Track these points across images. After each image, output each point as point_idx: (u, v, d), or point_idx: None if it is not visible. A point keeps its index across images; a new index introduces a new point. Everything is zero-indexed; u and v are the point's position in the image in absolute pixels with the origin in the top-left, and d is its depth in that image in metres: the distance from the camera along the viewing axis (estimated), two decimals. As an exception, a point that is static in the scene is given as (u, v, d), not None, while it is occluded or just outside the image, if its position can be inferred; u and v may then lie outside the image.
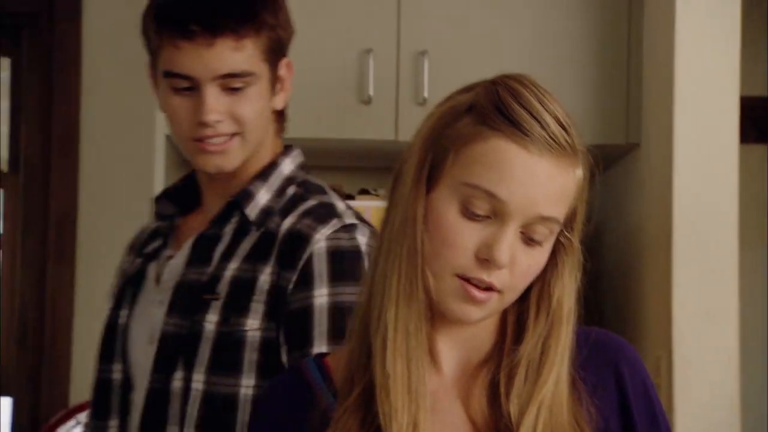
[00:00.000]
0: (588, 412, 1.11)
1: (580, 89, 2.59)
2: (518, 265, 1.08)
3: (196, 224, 1.63)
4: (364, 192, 2.72)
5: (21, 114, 2.98)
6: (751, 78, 2.79)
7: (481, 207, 1.06)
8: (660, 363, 2.36)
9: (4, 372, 3.00)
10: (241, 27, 1.52)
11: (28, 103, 2.96)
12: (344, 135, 2.58)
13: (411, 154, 1.11)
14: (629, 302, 2.63)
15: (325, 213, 1.57)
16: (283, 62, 1.63)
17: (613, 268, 2.78)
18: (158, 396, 1.53)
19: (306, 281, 1.52)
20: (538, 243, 1.09)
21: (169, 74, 1.53)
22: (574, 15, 2.60)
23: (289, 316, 1.51)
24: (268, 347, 1.51)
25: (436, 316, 1.12)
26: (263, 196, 1.59)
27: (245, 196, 1.59)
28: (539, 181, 1.06)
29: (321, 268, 1.52)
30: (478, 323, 1.12)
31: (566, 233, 1.12)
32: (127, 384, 1.62)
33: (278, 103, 1.65)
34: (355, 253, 1.54)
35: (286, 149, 1.69)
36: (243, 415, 1.50)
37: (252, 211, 1.58)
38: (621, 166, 2.74)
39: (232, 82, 1.53)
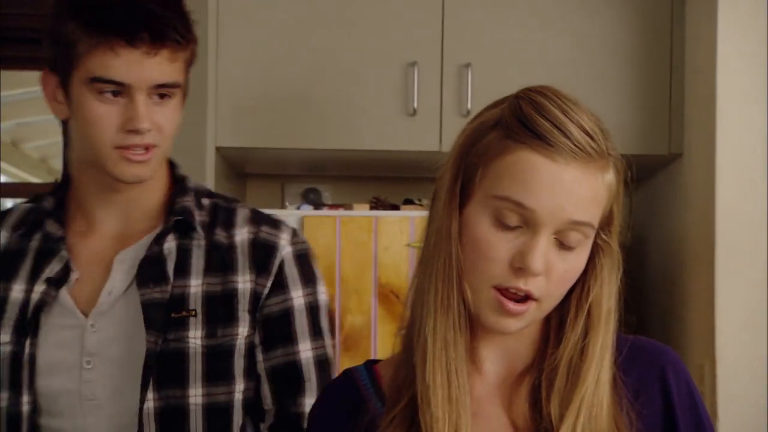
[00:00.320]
0: (628, 416, 1.12)
1: (623, 100, 2.60)
2: (554, 271, 1.09)
3: (97, 246, 1.59)
4: (408, 202, 2.74)
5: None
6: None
7: (512, 218, 1.08)
8: (703, 371, 2.36)
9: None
10: (182, 39, 1.53)
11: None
12: (389, 146, 2.61)
13: (445, 171, 1.14)
14: (672, 311, 2.63)
15: (271, 220, 1.62)
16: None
17: (656, 277, 2.78)
18: (165, 413, 1.53)
19: (282, 285, 1.58)
20: (573, 248, 1.10)
21: (100, 80, 1.49)
22: (616, 27, 2.62)
23: (267, 319, 1.57)
24: (251, 351, 1.57)
25: (477, 326, 1.14)
26: (195, 210, 1.60)
27: (187, 212, 1.59)
28: (566, 189, 1.07)
29: (293, 272, 1.59)
30: (519, 332, 1.13)
31: (603, 236, 1.13)
32: (34, 414, 1.53)
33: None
34: (311, 253, 1.64)
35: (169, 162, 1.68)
36: (238, 418, 1.56)
37: (198, 226, 1.59)
38: (664, 176, 2.75)
39: (161, 92, 1.53)
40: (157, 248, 1.56)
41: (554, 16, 2.62)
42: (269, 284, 1.57)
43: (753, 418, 2.31)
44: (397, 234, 2.44)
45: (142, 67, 1.50)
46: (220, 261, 1.58)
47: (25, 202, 1.62)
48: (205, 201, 1.63)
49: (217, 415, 1.54)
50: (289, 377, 1.58)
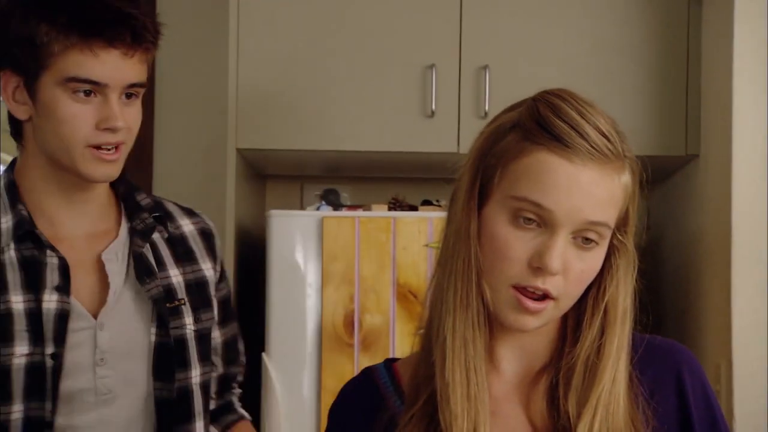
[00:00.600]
0: (644, 414, 1.14)
1: (640, 102, 2.61)
2: (572, 270, 1.11)
3: (74, 247, 1.60)
4: (426, 203, 2.76)
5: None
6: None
7: (530, 218, 1.10)
8: (720, 371, 2.36)
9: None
10: (154, 42, 1.59)
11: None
12: (408, 148, 2.62)
13: (463, 173, 1.16)
14: (689, 311, 2.64)
15: (190, 209, 1.78)
16: None
17: (672, 277, 2.78)
18: (177, 397, 1.62)
19: (223, 268, 1.78)
20: (590, 248, 1.11)
21: (76, 79, 1.51)
22: (632, 28, 2.63)
23: (222, 300, 1.76)
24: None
25: (495, 325, 1.16)
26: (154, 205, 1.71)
27: (160, 207, 1.70)
28: (584, 189, 1.09)
29: (221, 253, 1.79)
30: (536, 330, 1.15)
31: (619, 236, 1.14)
32: (53, 417, 1.54)
33: None
34: None
35: None
36: (212, 391, 1.77)
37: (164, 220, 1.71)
38: (680, 177, 2.75)
39: (129, 92, 1.57)
40: (142, 243, 1.63)
41: (571, 18, 2.63)
42: (219, 269, 1.75)
43: (769, 417, 2.32)
44: (415, 234, 2.46)
45: (118, 67, 1.53)
46: (182, 251, 1.68)
47: None
48: (140, 196, 1.71)
49: (206, 391, 1.69)
50: (233, 348, 1.80)
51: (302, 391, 2.44)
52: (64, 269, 1.55)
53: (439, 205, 2.67)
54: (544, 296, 1.11)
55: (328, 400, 2.38)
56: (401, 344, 2.43)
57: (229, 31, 2.59)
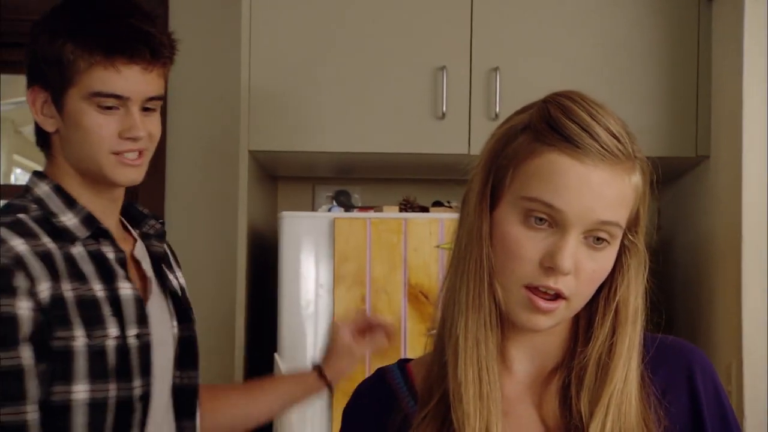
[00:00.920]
0: (656, 413, 1.14)
1: (650, 103, 2.61)
2: (583, 270, 1.11)
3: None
4: (437, 204, 2.76)
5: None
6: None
7: (542, 218, 1.11)
8: (731, 371, 2.37)
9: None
10: (171, 57, 1.73)
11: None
12: (419, 149, 2.63)
13: (475, 174, 1.17)
14: (700, 311, 2.64)
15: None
16: None
17: (683, 278, 2.79)
18: (185, 392, 1.77)
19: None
20: (602, 247, 1.12)
21: (101, 94, 1.65)
22: (643, 30, 2.63)
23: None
24: None
25: (507, 326, 1.17)
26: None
27: (157, 217, 1.85)
28: (595, 190, 1.10)
29: None
30: (548, 331, 1.16)
31: (630, 236, 1.15)
32: (147, 397, 1.68)
33: None
34: None
35: None
36: None
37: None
38: (691, 178, 2.75)
39: (151, 104, 1.71)
40: (159, 244, 1.81)
41: (581, 20, 2.63)
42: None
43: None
44: (426, 235, 2.47)
45: (139, 81, 1.67)
46: (168, 257, 1.85)
47: (18, 212, 1.67)
48: None
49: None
50: (191, 348, 1.83)
51: (314, 392, 2.45)
52: (123, 262, 1.70)
53: (450, 207, 2.68)
54: (557, 296, 1.12)
55: (340, 399, 2.40)
56: (412, 345, 2.44)
57: (241, 34, 2.61)
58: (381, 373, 1.27)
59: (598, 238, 1.12)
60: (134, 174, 1.70)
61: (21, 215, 1.65)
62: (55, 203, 1.69)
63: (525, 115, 1.16)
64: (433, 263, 2.46)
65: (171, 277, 1.79)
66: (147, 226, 1.81)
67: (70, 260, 1.63)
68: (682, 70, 2.62)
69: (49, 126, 1.70)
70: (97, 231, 1.69)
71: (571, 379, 1.16)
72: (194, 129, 3.06)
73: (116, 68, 1.65)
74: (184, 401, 1.77)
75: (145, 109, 1.70)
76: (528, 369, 1.20)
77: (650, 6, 2.63)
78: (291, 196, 3.10)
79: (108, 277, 1.66)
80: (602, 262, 1.13)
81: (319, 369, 2.00)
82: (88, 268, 1.65)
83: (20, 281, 1.56)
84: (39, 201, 1.69)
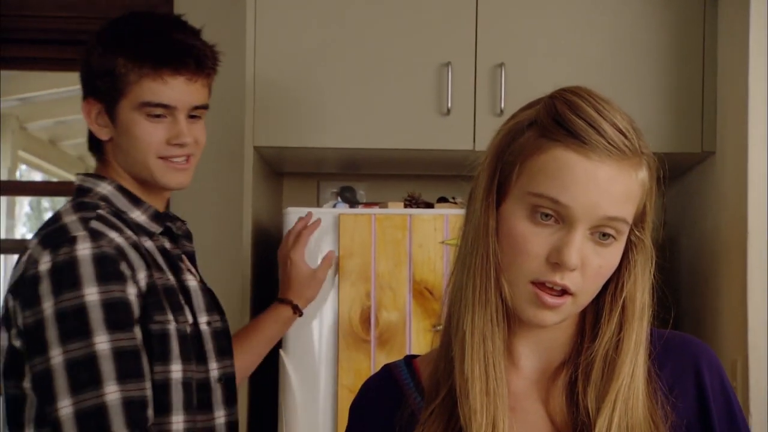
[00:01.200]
0: (663, 409, 1.15)
1: (656, 99, 2.61)
2: (589, 266, 1.12)
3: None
4: (442, 200, 2.76)
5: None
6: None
7: (548, 214, 1.11)
8: (736, 367, 2.36)
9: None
10: (215, 68, 1.89)
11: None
12: (424, 145, 2.63)
13: (481, 170, 1.17)
14: (705, 307, 2.64)
15: None
16: None
17: (688, 274, 2.79)
18: (230, 380, 1.90)
19: None
20: (608, 243, 1.12)
21: (150, 104, 1.80)
22: (648, 25, 2.62)
23: None
24: None
25: (514, 322, 1.17)
26: None
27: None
28: (601, 185, 1.10)
29: None
30: (555, 326, 1.16)
31: (636, 232, 1.16)
32: (224, 378, 1.88)
33: None
34: None
35: None
36: None
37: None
38: (696, 174, 2.75)
39: (196, 112, 1.87)
40: (190, 244, 1.95)
41: (586, 15, 2.63)
42: None
43: (785, 413, 2.31)
44: (431, 231, 2.47)
45: (185, 91, 1.82)
46: (195, 257, 1.97)
47: (95, 208, 1.79)
48: None
49: None
50: (228, 338, 1.96)
51: (319, 388, 2.45)
52: (180, 257, 1.86)
53: (455, 203, 2.68)
54: (563, 292, 1.12)
55: (345, 396, 2.40)
56: (417, 341, 2.44)
57: (246, 32, 2.61)
58: (388, 369, 1.27)
59: (605, 234, 1.12)
60: (182, 177, 1.86)
61: (100, 211, 1.77)
62: (121, 202, 1.82)
63: (531, 110, 1.16)
64: (438, 259, 2.46)
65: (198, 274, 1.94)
66: (175, 227, 1.91)
67: (149, 252, 1.78)
68: (687, 65, 2.62)
69: (103, 135, 1.84)
70: (165, 228, 1.85)
71: (578, 375, 1.16)
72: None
73: (163, 79, 1.79)
74: (232, 388, 1.89)
75: (191, 117, 1.85)
76: (535, 365, 1.20)
77: (655, 2, 2.63)
78: (296, 192, 3.10)
79: (176, 268, 1.82)
80: (609, 257, 1.13)
81: (290, 303, 2.21)
82: (160, 260, 1.80)
83: (125, 269, 1.70)
84: (106, 199, 1.81)
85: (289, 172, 3.08)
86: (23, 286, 1.69)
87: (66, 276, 1.66)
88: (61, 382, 1.62)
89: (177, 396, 1.74)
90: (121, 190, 1.84)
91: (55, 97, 5.09)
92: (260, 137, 2.61)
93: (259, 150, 2.65)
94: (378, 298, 2.46)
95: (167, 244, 1.85)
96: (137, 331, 1.69)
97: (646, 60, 2.62)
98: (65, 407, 1.62)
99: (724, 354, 2.43)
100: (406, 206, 2.62)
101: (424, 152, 2.66)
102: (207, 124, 3.04)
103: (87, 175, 1.87)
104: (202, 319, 1.83)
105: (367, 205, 2.71)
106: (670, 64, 2.62)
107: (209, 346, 1.83)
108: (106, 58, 1.80)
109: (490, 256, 1.13)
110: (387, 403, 1.22)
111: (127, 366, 1.66)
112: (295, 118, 2.61)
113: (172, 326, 1.74)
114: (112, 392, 1.63)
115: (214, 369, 1.83)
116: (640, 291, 1.17)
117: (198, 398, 1.79)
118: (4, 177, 4.90)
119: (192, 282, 1.84)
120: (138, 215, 1.83)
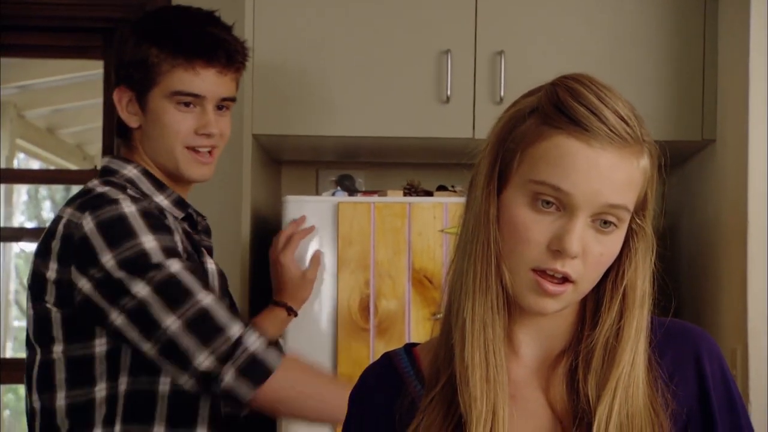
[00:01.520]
0: (663, 397, 1.15)
1: (656, 87, 2.61)
2: (590, 254, 1.12)
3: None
4: (442, 188, 2.76)
5: (113, 112, 3.08)
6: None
7: (549, 201, 1.11)
8: (736, 356, 2.37)
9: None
10: (244, 63, 1.95)
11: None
12: (423, 133, 2.63)
13: (482, 158, 1.17)
14: (705, 295, 2.65)
15: None
16: None
17: (688, 262, 2.79)
18: None
19: None
20: (609, 231, 1.12)
21: (181, 93, 1.86)
22: (649, 14, 2.62)
23: None
24: None
25: (514, 309, 1.17)
26: None
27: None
28: (603, 173, 1.10)
29: None
30: (556, 314, 1.16)
31: (638, 220, 1.15)
32: None
33: None
34: None
35: None
36: None
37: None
38: (697, 162, 2.75)
39: (224, 104, 1.92)
40: (208, 240, 2.02)
41: (586, 3, 2.62)
42: None
43: (785, 402, 2.32)
44: (430, 220, 2.46)
45: (215, 83, 1.89)
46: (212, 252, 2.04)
47: (123, 189, 1.85)
48: None
49: None
50: None
51: (318, 376, 2.45)
52: (201, 242, 1.92)
53: (455, 191, 2.68)
54: (564, 279, 1.12)
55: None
56: (416, 329, 2.44)
57: (245, 18, 2.60)
58: (388, 357, 1.27)
59: (606, 222, 1.12)
60: (206, 170, 1.92)
61: (129, 191, 1.83)
62: (146, 185, 1.88)
63: (533, 98, 1.16)
64: (438, 248, 2.46)
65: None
66: (196, 222, 1.97)
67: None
68: (688, 53, 2.61)
69: (133, 122, 1.90)
70: (187, 214, 1.91)
71: (579, 363, 1.16)
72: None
73: (195, 70, 1.86)
74: None
75: (219, 108, 1.91)
76: (535, 352, 1.20)
77: (656, -11, 2.63)
78: (295, 180, 3.09)
79: (198, 251, 1.88)
80: (610, 245, 1.13)
81: (285, 305, 2.24)
82: (185, 240, 1.85)
83: (170, 224, 1.81)
84: (131, 182, 1.87)
85: (288, 160, 3.08)
86: (74, 247, 1.75)
87: (118, 230, 1.74)
88: (157, 306, 1.73)
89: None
90: (147, 174, 1.89)
91: (54, 85, 5.08)
92: (259, 125, 2.61)
93: (258, 138, 2.65)
94: (377, 287, 2.46)
95: (189, 229, 1.91)
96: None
97: (646, 47, 2.61)
98: (172, 323, 1.73)
99: (724, 342, 2.44)
100: (405, 194, 2.62)
101: (424, 140, 2.66)
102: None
103: (114, 157, 1.93)
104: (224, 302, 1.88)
105: (367, 193, 2.71)
106: (671, 52, 2.62)
107: None
108: (140, 48, 1.86)
109: (491, 243, 1.13)
110: (387, 391, 1.22)
111: (203, 278, 1.80)
112: (294, 106, 2.61)
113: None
114: (205, 296, 1.76)
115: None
116: (641, 279, 1.16)
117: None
118: (3, 165, 4.90)
119: (211, 265, 1.89)
120: (162, 200, 1.88)
